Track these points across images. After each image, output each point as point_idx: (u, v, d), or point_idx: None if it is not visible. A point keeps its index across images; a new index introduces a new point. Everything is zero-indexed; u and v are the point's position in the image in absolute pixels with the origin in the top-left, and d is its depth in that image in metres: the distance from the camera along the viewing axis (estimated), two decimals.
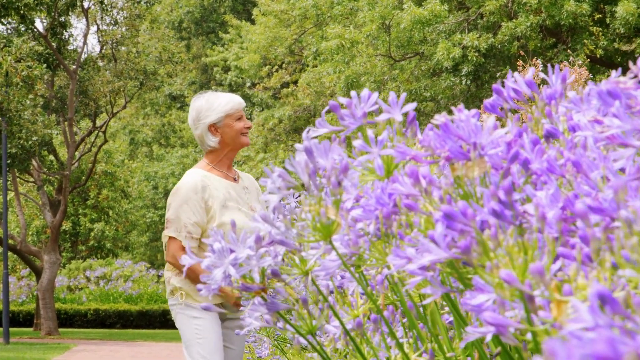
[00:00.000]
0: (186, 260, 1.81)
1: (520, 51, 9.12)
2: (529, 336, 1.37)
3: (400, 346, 1.71)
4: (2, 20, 16.22)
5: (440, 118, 1.58)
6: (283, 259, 1.87)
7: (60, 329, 26.62)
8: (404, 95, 1.78)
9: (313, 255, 1.73)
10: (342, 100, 1.81)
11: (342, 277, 2.22)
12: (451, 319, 2.18)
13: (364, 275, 2.06)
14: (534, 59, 6.75)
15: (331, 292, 2.07)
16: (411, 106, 1.78)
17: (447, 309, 2.11)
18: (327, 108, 1.87)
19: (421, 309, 2.02)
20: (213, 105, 4.80)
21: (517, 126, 1.74)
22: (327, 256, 1.79)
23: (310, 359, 1.97)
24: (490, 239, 1.32)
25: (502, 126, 1.76)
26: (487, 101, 1.78)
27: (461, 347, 1.59)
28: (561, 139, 1.65)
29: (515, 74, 1.81)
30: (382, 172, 1.76)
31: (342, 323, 1.87)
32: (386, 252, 1.74)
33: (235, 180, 4.79)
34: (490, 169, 1.58)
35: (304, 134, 1.78)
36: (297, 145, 1.78)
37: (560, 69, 6.08)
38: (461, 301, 1.44)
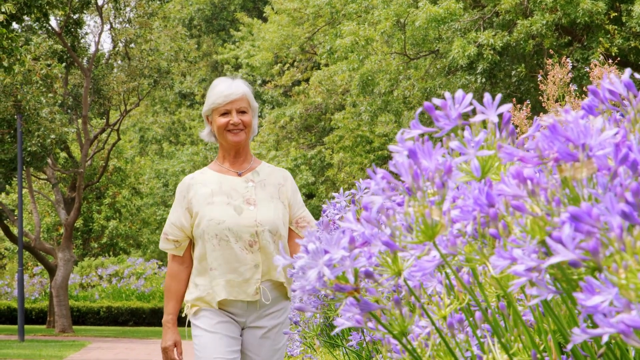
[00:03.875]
0: (280, 261, 1.81)
1: (550, 50, 9.11)
2: None
3: (505, 348, 1.71)
4: (24, 17, 16.28)
5: (548, 119, 1.59)
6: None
7: (74, 327, 26.69)
8: (499, 96, 1.78)
9: (411, 255, 1.74)
10: (436, 101, 1.81)
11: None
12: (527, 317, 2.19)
13: (448, 275, 2.07)
14: (564, 58, 6.74)
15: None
16: (506, 107, 1.78)
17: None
18: (420, 109, 1.87)
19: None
20: (208, 94, 4.51)
21: (615, 127, 1.74)
22: (423, 257, 1.79)
23: (389, 358, 1.97)
24: (616, 240, 1.32)
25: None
26: (584, 102, 1.78)
27: (568, 350, 1.60)
28: None
29: (612, 75, 1.81)
30: (479, 173, 1.76)
31: (433, 322, 1.87)
32: (484, 252, 1.74)
33: (239, 175, 4.46)
34: (596, 170, 1.59)
35: (397, 136, 1.79)
36: (392, 147, 1.78)
37: (591, 68, 6.01)
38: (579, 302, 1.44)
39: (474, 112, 1.89)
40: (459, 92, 1.83)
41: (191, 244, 4.44)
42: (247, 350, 4.45)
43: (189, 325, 4.57)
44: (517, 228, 1.65)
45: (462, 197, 1.78)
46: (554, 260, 1.34)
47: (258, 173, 4.48)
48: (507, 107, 1.78)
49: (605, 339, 1.44)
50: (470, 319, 2.12)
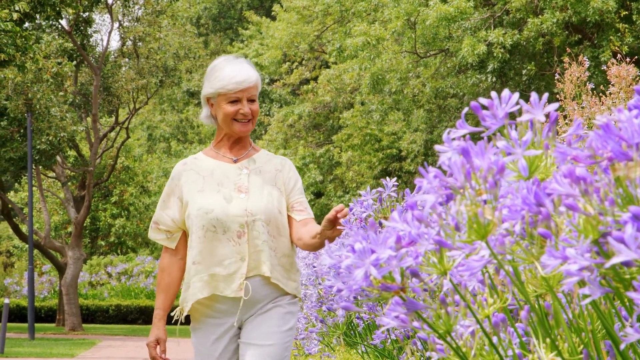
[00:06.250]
0: (327, 261, 1.81)
1: (567, 48, 9.09)
2: None
3: (554, 346, 1.72)
4: (37, 16, 16.31)
5: (602, 118, 1.59)
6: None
7: (83, 325, 26.72)
8: (545, 95, 1.78)
9: (460, 255, 1.74)
10: (483, 101, 1.81)
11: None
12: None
13: (490, 275, 2.07)
14: (581, 57, 6.73)
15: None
16: (553, 106, 1.79)
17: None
18: (466, 109, 1.87)
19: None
20: (212, 75, 4.11)
21: None
22: (471, 256, 1.79)
23: (429, 357, 1.98)
24: None
25: None
26: (630, 102, 1.78)
27: (621, 349, 1.60)
28: None
29: None
30: (527, 172, 1.76)
31: (478, 321, 1.87)
32: (532, 252, 1.74)
33: (235, 161, 4.13)
34: None
35: (444, 136, 1.79)
36: (438, 147, 1.78)
37: (608, 66, 5.98)
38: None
39: (521, 112, 1.89)
40: (505, 92, 1.83)
41: (185, 236, 4.12)
42: (251, 340, 4.05)
43: (176, 323, 4.26)
44: (567, 227, 1.65)
45: (509, 197, 1.78)
46: (616, 260, 1.34)
47: (254, 160, 4.15)
48: (554, 107, 1.78)
49: None
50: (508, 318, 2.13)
